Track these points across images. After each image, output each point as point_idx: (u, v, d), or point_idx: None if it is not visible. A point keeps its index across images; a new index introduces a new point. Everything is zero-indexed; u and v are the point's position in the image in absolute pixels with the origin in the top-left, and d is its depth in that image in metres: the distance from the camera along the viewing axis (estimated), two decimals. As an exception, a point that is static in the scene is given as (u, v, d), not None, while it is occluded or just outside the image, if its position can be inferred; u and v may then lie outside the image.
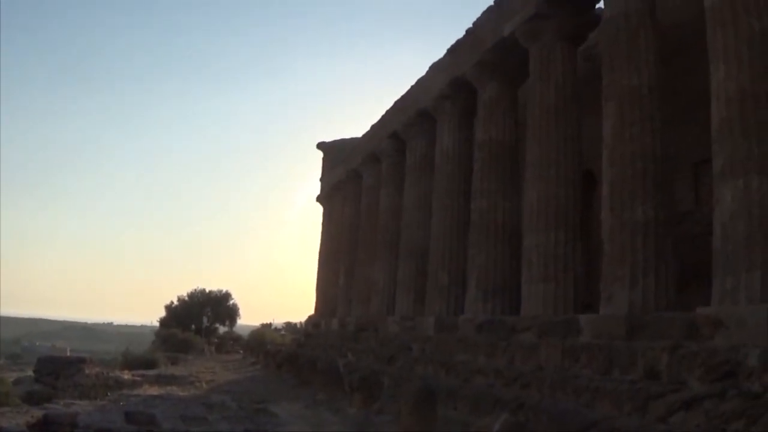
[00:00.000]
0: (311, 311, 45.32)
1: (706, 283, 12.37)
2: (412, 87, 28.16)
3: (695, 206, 18.06)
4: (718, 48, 12.54)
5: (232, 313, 72.81)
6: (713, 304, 11.79)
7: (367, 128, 35.16)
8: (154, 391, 26.32)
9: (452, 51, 24.07)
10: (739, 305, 11.19)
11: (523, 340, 17.19)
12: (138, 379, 31.45)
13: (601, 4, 17.04)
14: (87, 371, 30.40)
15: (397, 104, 30.20)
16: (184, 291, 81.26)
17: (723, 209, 11.92)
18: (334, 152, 43.91)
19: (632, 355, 13.07)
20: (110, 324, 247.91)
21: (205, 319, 68.76)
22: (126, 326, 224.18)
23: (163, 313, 70.82)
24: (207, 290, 72.26)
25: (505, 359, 17.50)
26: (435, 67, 25.77)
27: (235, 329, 75.17)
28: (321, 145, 46.69)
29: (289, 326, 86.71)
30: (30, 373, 34.23)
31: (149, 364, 41.38)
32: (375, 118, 34.89)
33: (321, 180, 47.52)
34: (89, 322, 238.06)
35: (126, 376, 32.20)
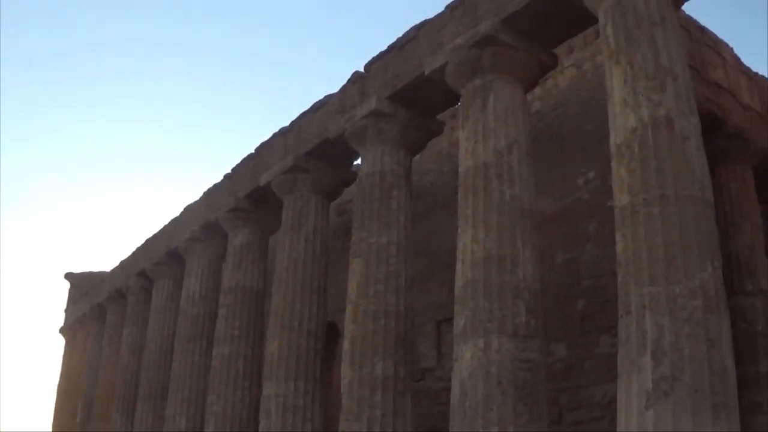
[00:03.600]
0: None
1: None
2: (165, 226, 27.26)
3: (437, 363, 17.98)
4: (468, 213, 12.71)
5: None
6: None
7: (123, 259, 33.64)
8: None
9: (208, 194, 23.51)
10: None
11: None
12: None
13: (359, 161, 17.07)
14: None
15: (149, 242, 29.13)
16: None
17: (462, 367, 11.83)
18: (82, 284, 41.88)
19: None
20: None
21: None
22: None
23: None
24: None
25: None
26: (190, 209, 25.05)
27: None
28: (69, 276, 44.54)
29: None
30: None
31: None
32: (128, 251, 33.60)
33: (65, 311, 45.29)
34: None
35: None
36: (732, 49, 17.95)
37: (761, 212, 16.98)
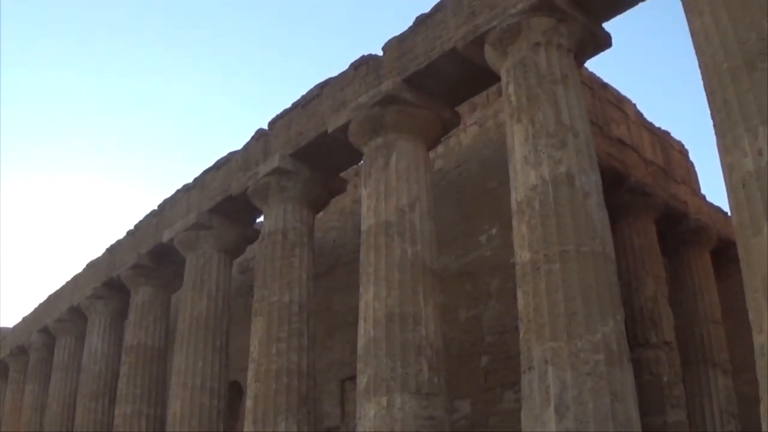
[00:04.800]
0: None
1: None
2: (67, 282, 26.50)
3: (341, 422, 17.66)
4: (370, 271, 12.63)
5: None
6: None
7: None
8: None
9: (111, 250, 22.91)
10: None
11: None
12: None
13: (262, 218, 16.76)
14: None
15: (51, 298, 28.30)
16: None
17: (366, 425, 11.68)
18: (-17, 340, 40.69)
19: None
20: None
21: None
22: None
23: None
24: None
25: None
26: (92, 265, 24.36)
27: None
28: (-29, 333, 43.22)
29: None
30: None
31: None
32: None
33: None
34: None
35: None
36: (635, 105, 18.19)
37: (665, 264, 17.14)
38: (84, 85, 59.12)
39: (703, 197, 19.81)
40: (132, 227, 21.76)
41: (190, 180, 19.11)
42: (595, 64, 29.45)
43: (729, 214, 9.36)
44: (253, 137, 16.88)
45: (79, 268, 26.19)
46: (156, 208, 20.60)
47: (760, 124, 8.56)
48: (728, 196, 9.01)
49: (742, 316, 8.77)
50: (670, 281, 17.28)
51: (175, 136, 58.47)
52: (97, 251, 35.39)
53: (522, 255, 10.48)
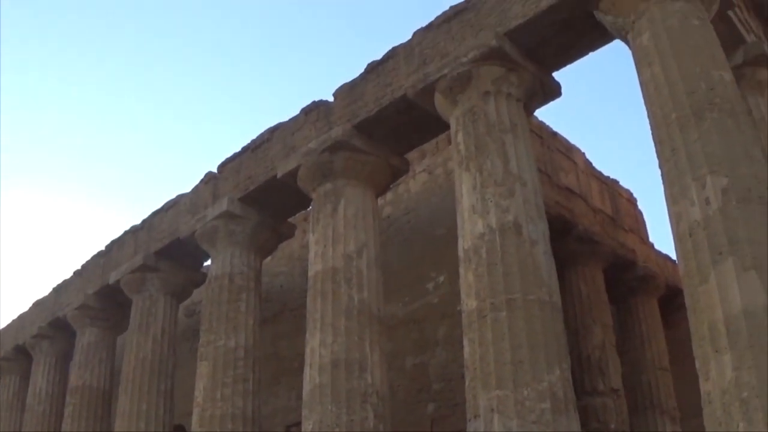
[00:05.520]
0: None
1: None
2: (13, 320, 25.95)
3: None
4: (317, 317, 12.51)
5: None
6: None
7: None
8: None
9: (58, 290, 22.50)
10: None
11: None
12: None
13: (209, 262, 16.56)
14: None
15: (-4, 337, 27.85)
16: None
17: None
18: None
19: None
20: None
21: None
22: None
23: None
24: None
25: None
26: (39, 304, 23.91)
27: None
28: None
29: None
30: None
31: None
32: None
33: None
34: None
35: None
36: (584, 153, 18.27)
37: (612, 312, 17.15)
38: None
39: (652, 245, 19.89)
40: (79, 267, 21.42)
41: (138, 222, 18.86)
42: (545, 113, 29.70)
43: (677, 262, 9.37)
44: (202, 180, 16.67)
45: (25, 306, 25.83)
46: (103, 248, 20.24)
47: (708, 173, 8.65)
48: (675, 245, 9.06)
49: (689, 364, 8.76)
50: (617, 329, 17.29)
51: (121, 179, 57.72)
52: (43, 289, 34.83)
53: (468, 303, 10.38)
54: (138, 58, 56.56)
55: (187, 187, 17.30)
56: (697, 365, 8.29)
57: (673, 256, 17.17)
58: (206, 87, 58.05)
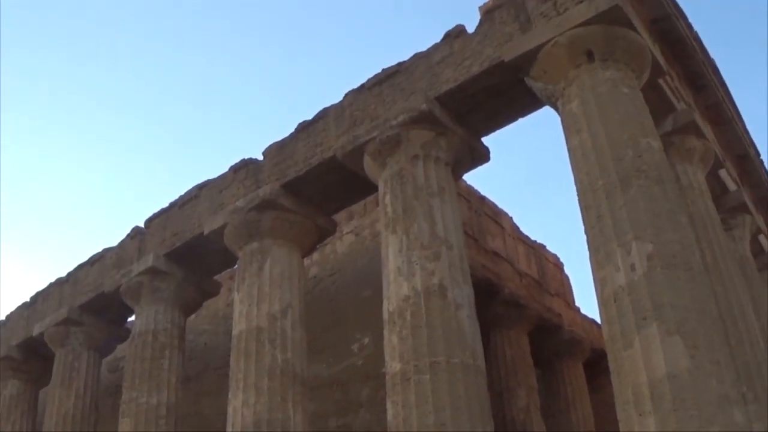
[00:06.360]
0: None
1: None
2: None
3: None
4: (240, 376, 12.29)
5: None
6: None
7: None
8: None
9: (-20, 342, 21.94)
10: None
11: None
12: None
13: (134, 317, 16.15)
14: None
15: None
16: None
17: None
18: None
19: None
20: None
21: None
22: None
23: None
24: None
25: None
26: (-39, 355, 23.35)
27: None
28: None
29: None
30: None
31: None
32: None
33: None
34: None
35: None
36: (511, 218, 18.32)
37: (538, 376, 17.10)
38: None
39: (578, 309, 19.96)
40: (3, 318, 20.92)
41: (64, 274, 18.45)
42: (474, 177, 29.88)
43: (602, 326, 9.36)
44: (128, 235, 16.35)
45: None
46: (28, 300, 19.76)
47: (634, 239, 8.64)
48: (600, 310, 9.05)
49: (614, 427, 8.72)
50: (543, 392, 17.24)
51: (48, 232, 56.56)
52: None
53: (392, 365, 10.20)
54: (59, 109, 55.72)
55: (114, 241, 17.01)
56: (622, 429, 8.25)
57: (599, 320, 17.34)
58: (136, 142, 57.32)
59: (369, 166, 12.01)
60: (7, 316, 20.66)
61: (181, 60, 55.27)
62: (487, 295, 15.44)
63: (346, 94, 12.86)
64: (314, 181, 12.95)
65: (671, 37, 12.17)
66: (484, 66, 10.94)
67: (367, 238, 15.92)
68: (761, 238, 15.38)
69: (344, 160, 12.33)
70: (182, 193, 15.33)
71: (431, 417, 9.54)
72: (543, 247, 19.49)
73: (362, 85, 12.66)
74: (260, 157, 13.89)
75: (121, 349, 18.39)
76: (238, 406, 12.03)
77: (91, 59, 53.89)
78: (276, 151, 13.52)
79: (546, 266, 19.17)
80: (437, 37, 11.92)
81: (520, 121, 12.10)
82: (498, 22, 11.14)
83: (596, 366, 18.95)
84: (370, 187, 12.55)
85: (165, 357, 14.71)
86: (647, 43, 10.60)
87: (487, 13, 11.42)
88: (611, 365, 8.64)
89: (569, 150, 10.11)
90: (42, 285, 19.41)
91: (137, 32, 54.49)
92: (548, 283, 18.77)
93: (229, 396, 12.37)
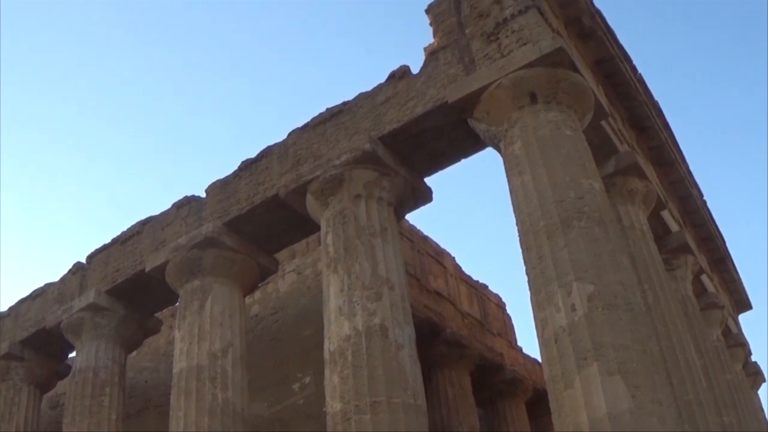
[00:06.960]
0: None
1: None
2: None
3: None
4: (180, 415, 12.14)
5: None
6: None
7: None
8: None
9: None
10: None
11: None
12: None
13: (74, 354, 15.86)
14: None
15: None
16: None
17: None
18: None
19: None
20: None
21: None
22: None
23: None
24: None
25: None
26: None
27: None
28: None
29: None
30: None
31: None
32: None
33: None
34: None
35: None
36: (454, 258, 18.29)
37: (480, 415, 17.03)
38: None
39: (520, 349, 19.96)
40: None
41: (5, 309, 18.04)
42: (416, 217, 29.92)
43: (543, 366, 9.33)
44: (70, 270, 16.04)
45: None
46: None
47: (575, 280, 8.62)
48: (541, 350, 8.99)
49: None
50: (485, 431, 17.17)
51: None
52: None
53: (333, 405, 10.07)
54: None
55: (56, 275, 16.73)
56: (558, 468, 8.17)
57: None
58: (79, 180, 56.55)
59: (311, 205, 11.89)
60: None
61: (124, 90, 54.86)
62: (429, 335, 15.37)
63: (290, 133, 12.77)
64: (256, 220, 12.81)
65: (615, 79, 12.30)
66: (427, 107, 10.92)
67: (309, 277, 15.79)
68: (703, 278, 15.52)
69: (287, 198, 12.21)
70: (125, 228, 15.13)
71: (372, 457, 9.34)
72: (485, 287, 19.50)
73: (306, 124, 12.58)
74: (203, 195, 13.75)
75: (62, 385, 18.05)
76: (179, 446, 11.74)
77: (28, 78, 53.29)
78: (219, 188, 13.38)
79: (488, 306, 19.17)
80: (382, 77, 11.91)
81: (463, 161, 12.09)
82: (442, 63, 11.13)
83: (538, 406, 18.91)
84: (313, 226, 12.43)
85: (105, 394, 14.46)
86: (590, 85, 10.66)
87: (431, 54, 11.42)
88: (552, 405, 8.56)
89: (511, 191, 10.10)
90: None
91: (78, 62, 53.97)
92: (490, 323, 18.76)
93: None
